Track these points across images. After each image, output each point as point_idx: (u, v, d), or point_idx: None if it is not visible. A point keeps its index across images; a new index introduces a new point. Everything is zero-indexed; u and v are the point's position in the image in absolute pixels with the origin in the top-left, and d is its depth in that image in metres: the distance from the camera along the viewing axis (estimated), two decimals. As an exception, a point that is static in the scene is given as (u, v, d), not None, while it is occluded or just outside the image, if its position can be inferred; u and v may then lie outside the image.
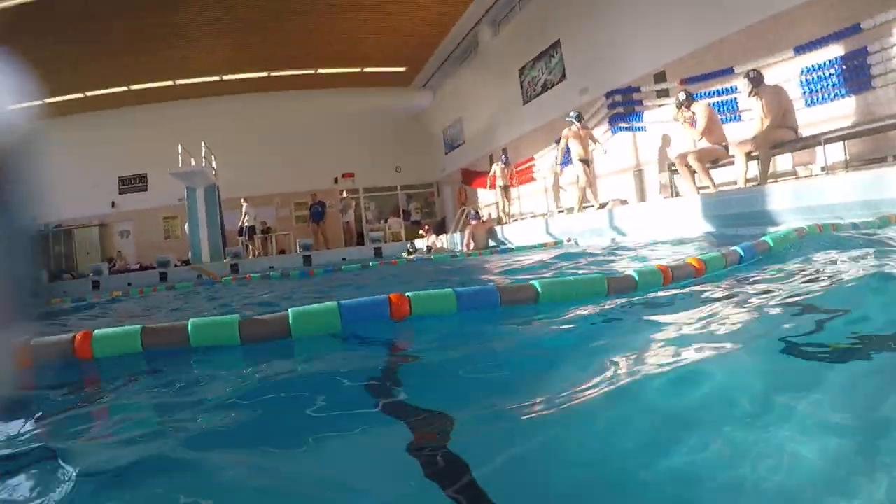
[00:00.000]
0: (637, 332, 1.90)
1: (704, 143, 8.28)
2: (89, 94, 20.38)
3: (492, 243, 13.00)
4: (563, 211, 13.66)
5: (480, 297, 2.30)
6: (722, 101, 9.94)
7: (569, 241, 10.16)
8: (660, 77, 11.43)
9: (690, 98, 8.66)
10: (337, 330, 2.06)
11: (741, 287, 2.54)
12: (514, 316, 2.29)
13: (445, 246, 16.63)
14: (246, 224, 19.63)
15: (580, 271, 4.91)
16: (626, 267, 4.50)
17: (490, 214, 19.52)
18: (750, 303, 2.16)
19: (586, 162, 11.20)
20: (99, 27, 15.88)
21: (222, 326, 2.01)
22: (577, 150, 11.17)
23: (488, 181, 16.80)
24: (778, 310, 1.97)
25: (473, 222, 13.40)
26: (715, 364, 1.36)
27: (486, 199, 20.89)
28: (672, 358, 1.50)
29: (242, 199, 19.87)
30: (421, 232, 18.36)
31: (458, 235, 16.01)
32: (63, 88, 19.02)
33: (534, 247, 10.12)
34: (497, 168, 15.92)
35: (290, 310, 2.04)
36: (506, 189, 15.96)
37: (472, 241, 12.93)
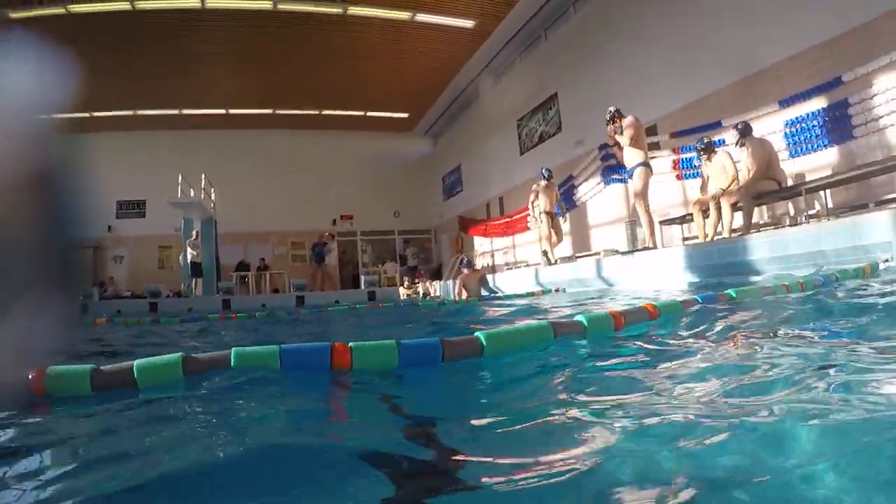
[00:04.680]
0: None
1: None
2: (95, 114, 20.37)
3: (484, 292, 12.88)
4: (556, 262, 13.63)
5: (422, 350, 2.19)
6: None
7: (557, 290, 10.10)
8: (651, 130, 11.48)
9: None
10: (276, 368, 2.00)
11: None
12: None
13: (440, 293, 16.56)
14: (192, 261, 17.86)
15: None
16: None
17: (486, 264, 19.54)
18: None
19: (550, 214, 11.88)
20: (110, 48, 16.09)
21: (166, 364, 1.99)
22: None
23: (531, 206, 12.58)
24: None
25: (465, 271, 13.25)
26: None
27: (482, 247, 20.93)
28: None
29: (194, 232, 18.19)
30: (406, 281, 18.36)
31: (451, 283, 15.90)
32: (69, 106, 18.98)
33: (522, 295, 10.04)
34: (539, 187, 12.23)
35: (232, 349, 2.03)
36: (551, 216, 12.20)
37: (464, 290, 12.80)
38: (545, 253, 12.22)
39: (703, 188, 8.80)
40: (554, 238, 12.23)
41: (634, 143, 8.73)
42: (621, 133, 8.91)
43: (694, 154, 10.22)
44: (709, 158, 8.61)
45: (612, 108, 9.19)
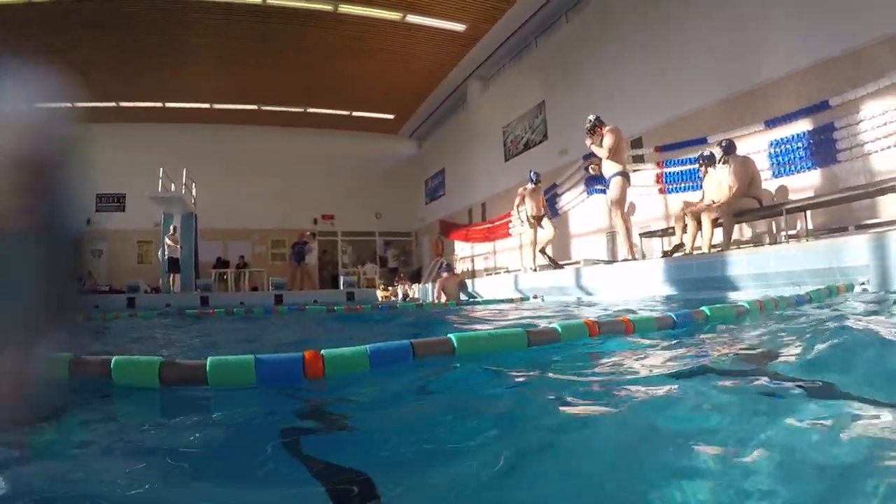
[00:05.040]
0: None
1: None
2: (77, 104, 19.89)
3: (463, 297, 12.84)
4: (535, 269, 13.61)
5: (393, 352, 2.16)
6: (694, 170, 10.04)
7: (535, 297, 10.11)
8: (636, 143, 11.54)
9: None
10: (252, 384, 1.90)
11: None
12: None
13: (419, 296, 16.53)
14: (169, 256, 17.82)
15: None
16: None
17: (466, 269, 19.52)
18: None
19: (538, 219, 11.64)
20: (92, 37, 15.78)
21: (144, 366, 1.91)
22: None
23: (515, 210, 12.35)
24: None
25: (445, 275, 13.21)
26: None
27: (463, 252, 20.91)
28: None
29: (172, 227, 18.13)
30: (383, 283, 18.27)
31: (430, 286, 15.86)
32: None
33: (501, 301, 10.03)
34: (526, 190, 11.98)
35: (208, 358, 1.93)
36: (538, 220, 11.95)
37: (442, 294, 12.75)
38: (552, 260, 12.04)
39: (703, 200, 8.74)
40: (550, 234, 12.05)
41: (614, 153, 8.70)
42: (600, 144, 8.87)
43: (678, 168, 10.31)
44: (706, 171, 8.63)
45: (591, 117, 9.11)
